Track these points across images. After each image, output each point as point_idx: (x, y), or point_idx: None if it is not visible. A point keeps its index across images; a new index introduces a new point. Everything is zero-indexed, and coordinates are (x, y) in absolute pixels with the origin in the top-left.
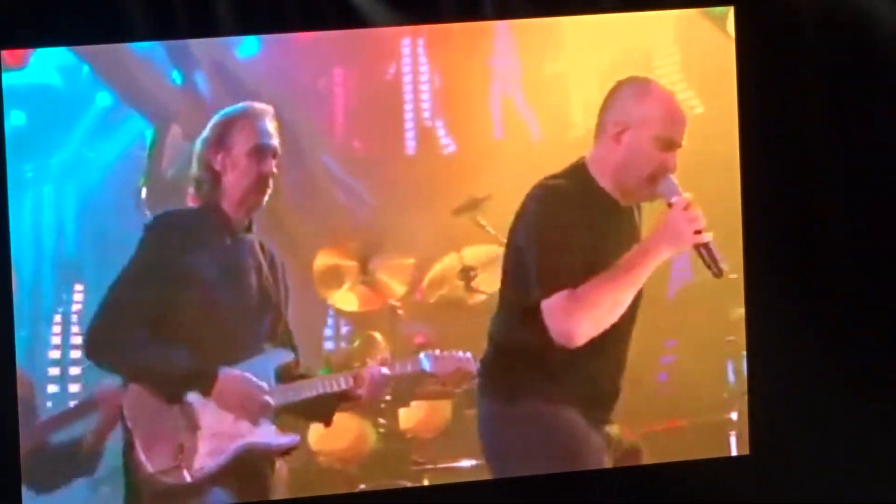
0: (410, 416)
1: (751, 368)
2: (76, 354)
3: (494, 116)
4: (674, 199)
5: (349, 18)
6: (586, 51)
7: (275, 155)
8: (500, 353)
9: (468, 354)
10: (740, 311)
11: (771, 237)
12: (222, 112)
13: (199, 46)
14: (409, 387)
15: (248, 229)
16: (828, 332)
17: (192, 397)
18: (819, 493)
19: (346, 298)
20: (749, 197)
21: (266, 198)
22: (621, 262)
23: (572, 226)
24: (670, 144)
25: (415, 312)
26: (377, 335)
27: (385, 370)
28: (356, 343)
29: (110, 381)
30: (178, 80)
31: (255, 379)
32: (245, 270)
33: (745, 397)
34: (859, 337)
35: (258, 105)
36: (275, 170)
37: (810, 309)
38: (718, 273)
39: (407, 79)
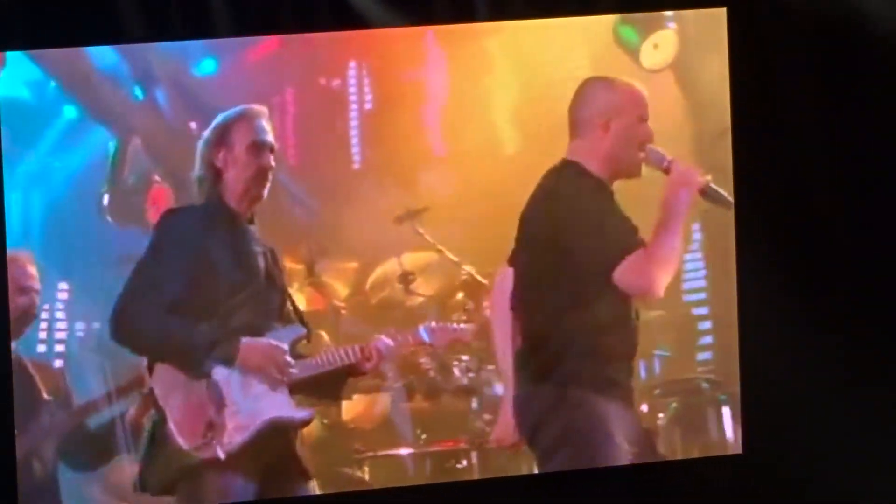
0: (352, 408)
1: (743, 367)
2: (41, 349)
3: (431, 134)
4: (665, 164)
5: (344, 19)
6: (509, 65)
7: (272, 150)
8: (543, 342)
9: (462, 325)
10: (652, 314)
11: (764, 236)
12: (222, 115)
13: (160, 64)
14: (353, 382)
15: (251, 221)
16: (822, 329)
17: (217, 374)
18: (813, 492)
19: (294, 299)
20: (742, 196)
21: (266, 190)
22: (663, 218)
23: (591, 210)
24: (644, 119)
25: (357, 312)
26: (323, 333)
27: (390, 342)
28: (303, 340)
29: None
30: (140, 96)
31: (275, 342)
32: (253, 255)
33: (655, 391)
34: (854, 335)
35: (255, 107)
36: (272, 163)
37: (803, 306)
38: (730, 204)
39: (353, 98)
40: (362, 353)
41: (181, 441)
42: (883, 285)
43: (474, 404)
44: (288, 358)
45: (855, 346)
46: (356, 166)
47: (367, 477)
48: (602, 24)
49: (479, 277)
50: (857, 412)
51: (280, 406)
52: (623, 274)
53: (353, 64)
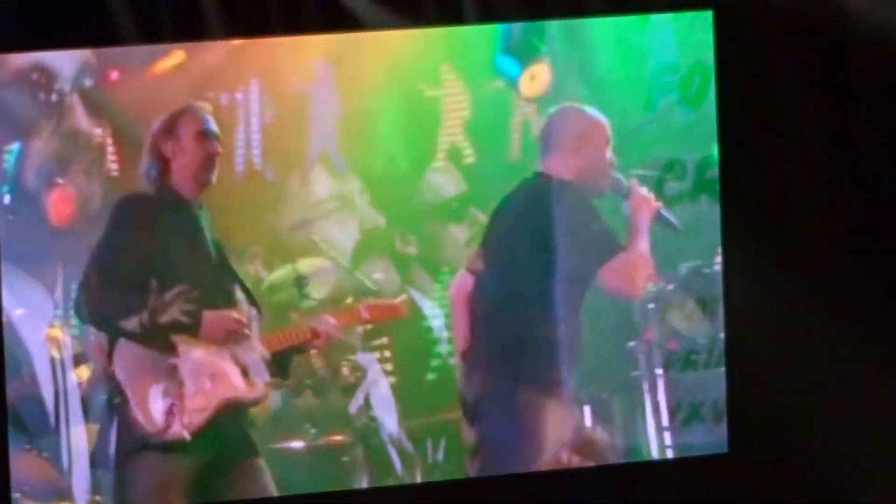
0: None
1: (729, 363)
2: None
3: (327, 147)
4: (625, 189)
5: (334, 19)
6: (394, 79)
7: (217, 138)
8: (498, 342)
9: (397, 300)
10: None
11: (753, 235)
12: (169, 111)
13: (67, 69)
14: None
15: (200, 208)
16: (809, 326)
17: (175, 357)
18: (800, 492)
19: (243, 280)
20: (730, 198)
21: (214, 176)
22: (632, 231)
23: (575, 213)
24: (608, 146)
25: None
26: None
27: (333, 321)
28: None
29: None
30: (46, 99)
31: (235, 314)
32: (204, 240)
33: None
34: (843, 332)
35: (199, 102)
36: (219, 150)
37: (791, 300)
38: (677, 229)
39: (241, 115)
40: (311, 334)
41: (145, 424)
42: (873, 282)
43: (361, 401)
44: (248, 331)
45: (844, 343)
46: (257, 178)
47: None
48: (483, 48)
49: (367, 283)
50: (846, 411)
51: (233, 386)
52: (610, 273)
53: (254, 80)
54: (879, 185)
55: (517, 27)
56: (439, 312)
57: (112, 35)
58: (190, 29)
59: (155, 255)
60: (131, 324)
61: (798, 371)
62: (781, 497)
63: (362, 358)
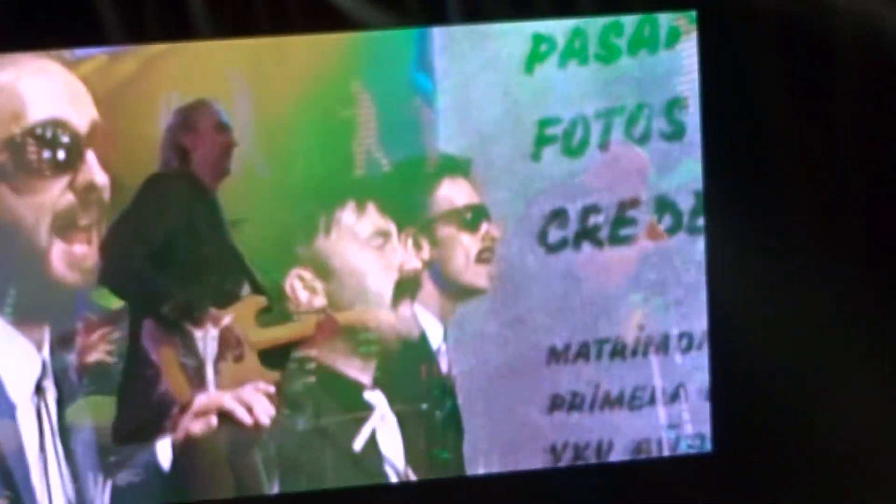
0: None
1: (713, 360)
2: None
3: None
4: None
5: (321, 18)
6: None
7: (231, 129)
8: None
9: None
10: None
11: (736, 236)
12: (181, 104)
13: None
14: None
15: (217, 200)
16: (797, 321)
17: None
18: (788, 493)
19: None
20: (713, 203)
21: (231, 165)
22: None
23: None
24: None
25: None
26: None
27: (338, 319)
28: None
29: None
30: None
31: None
32: (221, 224)
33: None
34: (832, 327)
35: (208, 97)
36: (236, 140)
37: (776, 295)
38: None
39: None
40: (318, 328)
41: (177, 395)
42: (857, 279)
43: (366, 437)
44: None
45: (832, 338)
46: None
47: None
48: (398, 64)
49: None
50: (835, 408)
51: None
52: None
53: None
54: (869, 187)
55: (430, 44)
56: (439, 328)
57: (99, 35)
58: (176, 28)
59: (176, 234)
60: (151, 297)
61: (786, 372)
62: (762, 496)
63: (369, 395)
